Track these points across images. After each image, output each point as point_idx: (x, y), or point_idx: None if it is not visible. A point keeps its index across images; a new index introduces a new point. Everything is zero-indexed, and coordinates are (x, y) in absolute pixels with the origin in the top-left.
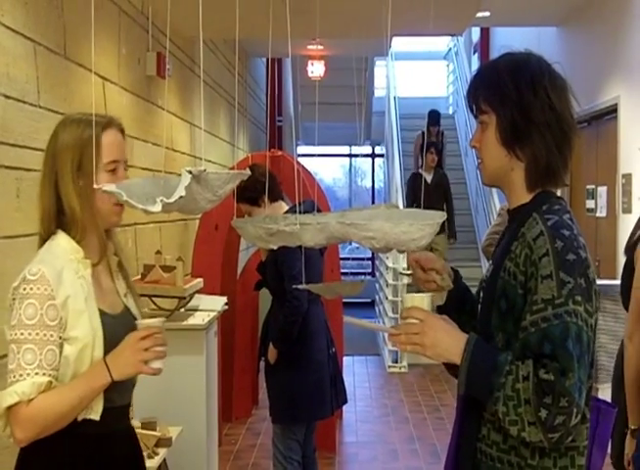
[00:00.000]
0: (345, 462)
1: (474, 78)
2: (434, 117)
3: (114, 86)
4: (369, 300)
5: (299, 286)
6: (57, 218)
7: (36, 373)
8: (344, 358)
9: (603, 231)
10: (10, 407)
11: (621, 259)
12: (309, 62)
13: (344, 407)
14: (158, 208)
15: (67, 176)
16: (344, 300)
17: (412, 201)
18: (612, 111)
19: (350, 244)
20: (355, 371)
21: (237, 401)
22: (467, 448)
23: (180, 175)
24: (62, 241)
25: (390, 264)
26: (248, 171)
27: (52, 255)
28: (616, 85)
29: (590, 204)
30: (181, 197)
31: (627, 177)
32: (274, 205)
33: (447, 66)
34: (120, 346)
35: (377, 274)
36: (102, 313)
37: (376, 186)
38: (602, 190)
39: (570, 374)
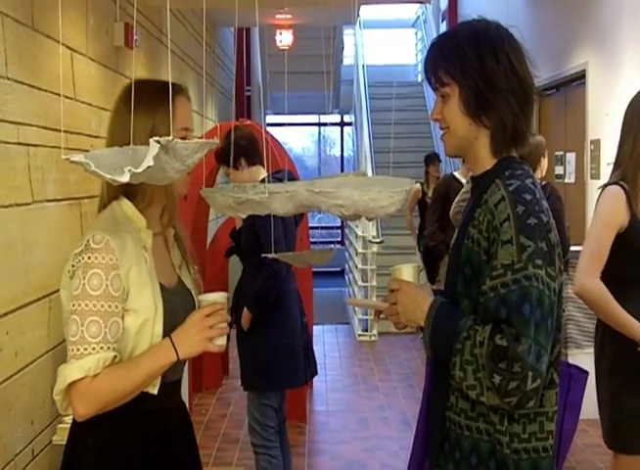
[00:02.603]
0: (316, 431)
1: (431, 51)
2: (434, 156)
3: (83, 57)
4: (339, 268)
5: (269, 255)
6: (123, 184)
7: (101, 347)
8: (314, 327)
9: (572, 197)
10: (73, 382)
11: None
12: (277, 31)
13: (315, 376)
14: (126, 177)
15: (139, 142)
16: (314, 269)
17: (441, 212)
18: (580, 77)
19: (320, 212)
20: (325, 340)
21: (207, 371)
22: (436, 417)
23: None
24: (126, 208)
25: (360, 233)
26: (216, 141)
27: (116, 222)
28: (584, 51)
29: (559, 170)
30: (149, 167)
31: (596, 143)
32: (251, 169)
33: (415, 33)
34: (186, 324)
35: (346, 243)
36: (161, 287)
37: (345, 155)
38: (570, 156)
39: (523, 339)
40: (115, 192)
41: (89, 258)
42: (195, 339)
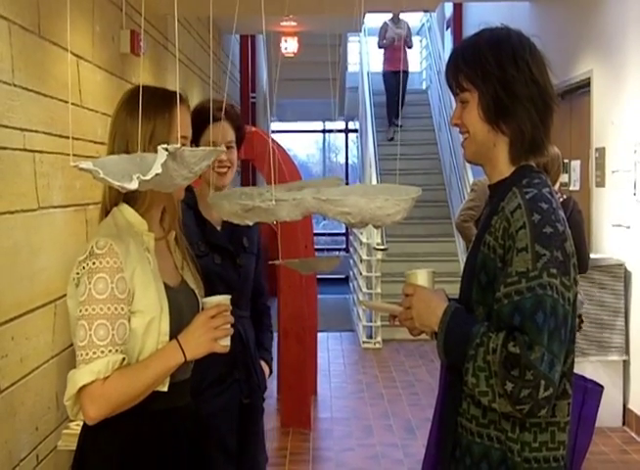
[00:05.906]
0: (320, 438)
1: (454, 56)
2: None
3: (89, 64)
4: (343, 276)
5: (275, 262)
6: None
7: (109, 350)
8: (319, 334)
9: None
10: (84, 386)
11: (596, 233)
12: (283, 38)
13: (319, 383)
14: (134, 184)
15: (138, 148)
16: (318, 276)
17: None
18: (585, 85)
19: (324, 219)
20: (330, 347)
21: None
22: (448, 423)
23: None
24: (127, 213)
25: (365, 240)
26: (223, 148)
27: (118, 227)
28: (588, 59)
29: (564, 178)
30: (157, 174)
31: (601, 151)
32: None
33: (420, 41)
34: (192, 325)
35: (351, 250)
36: (165, 286)
37: (350, 162)
38: (575, 164)
39: (536, 347)
40: (116, 197)
41: (94, 263)
42: (201, 340)
